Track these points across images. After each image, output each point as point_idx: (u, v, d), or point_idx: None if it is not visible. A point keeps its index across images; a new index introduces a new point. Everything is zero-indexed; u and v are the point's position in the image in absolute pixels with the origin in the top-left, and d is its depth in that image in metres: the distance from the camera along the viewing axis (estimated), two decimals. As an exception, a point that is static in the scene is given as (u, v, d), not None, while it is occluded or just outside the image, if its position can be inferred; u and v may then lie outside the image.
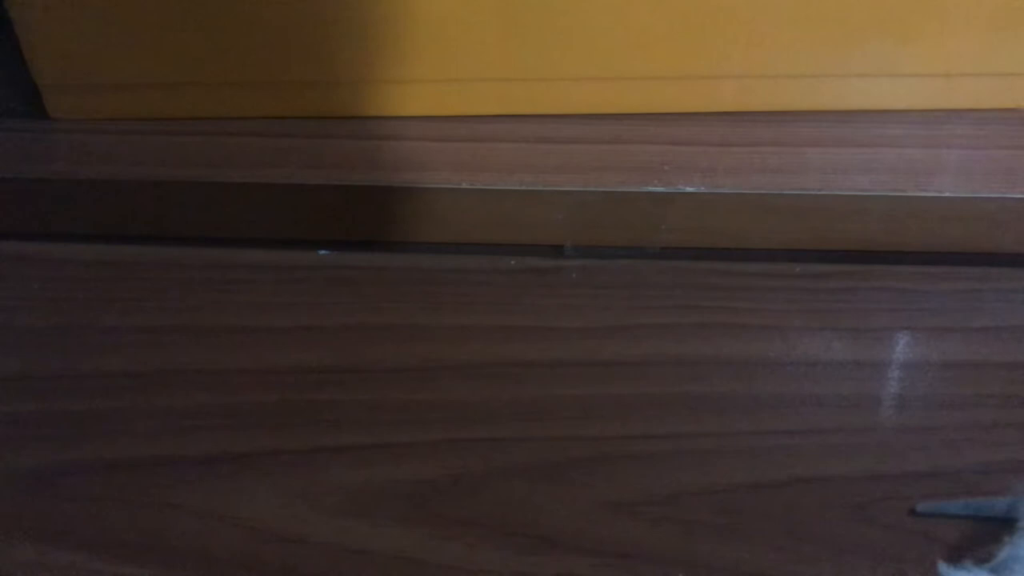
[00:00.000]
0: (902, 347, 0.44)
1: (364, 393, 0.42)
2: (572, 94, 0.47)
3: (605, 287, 0.46)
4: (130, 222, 0.47)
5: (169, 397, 0.42)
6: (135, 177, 0.46)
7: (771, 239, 0.46)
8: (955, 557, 0.36)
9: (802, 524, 0.38)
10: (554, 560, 0.37)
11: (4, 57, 0.47)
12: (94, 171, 0.46)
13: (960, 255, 0.46)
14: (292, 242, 0.47)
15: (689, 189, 0.45)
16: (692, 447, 0.40)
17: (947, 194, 0.45)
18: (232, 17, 0.44)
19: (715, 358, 0.43)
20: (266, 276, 0.47)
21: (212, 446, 0.40)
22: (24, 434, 0.41)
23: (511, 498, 0.39)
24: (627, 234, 0.46)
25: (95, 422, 0.41)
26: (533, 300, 0.46)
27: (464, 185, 0.45)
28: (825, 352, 0.43)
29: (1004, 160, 0.46)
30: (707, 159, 0.46)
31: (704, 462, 0.40)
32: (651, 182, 0.45)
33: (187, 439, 0.41)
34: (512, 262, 0.47)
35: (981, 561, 0.36)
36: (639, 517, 0.38)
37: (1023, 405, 0.42)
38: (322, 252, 0.47)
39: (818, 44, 0.45)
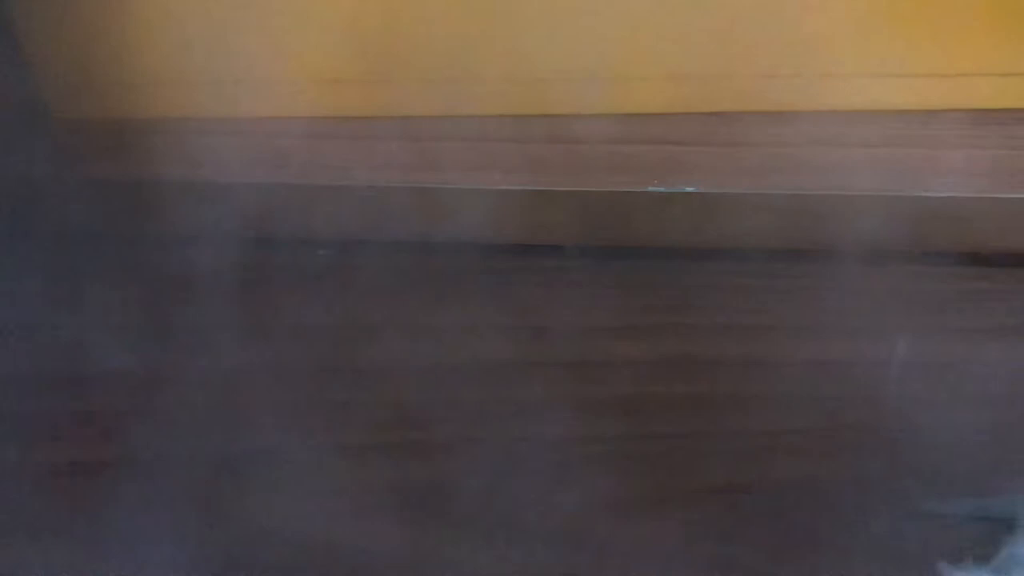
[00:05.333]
0: (902, 347, 0.44)
1: (364, 393, 0.42)
2: (572, 94, 0.47)
3: (605, 287, 0.46)
4: (130, 222, 0.47)
5: (170, 397, 0.42)
6: (135, 177, 0.46)
7: (771, 239, 0.46)
8: (955, 557, 0.36)
9: (803, 524, 0.38)
10: (554, 560, 0.37)
11: (4, 57, 0.47)
12: (94, 171, 0.46)
13: (960, 255, 0.46)
14: (294, 242, 0.47)
15: (689, 189, 0.45)
16: (692, 447, 0.40)
17: (947, 194, 0.45)
18: (230, 16, 0.44)
19: (715, 358, 0.43)
20: (268, 276, 0.47)
21: (211, 446, 0.40)
22: (24, 434, 0.41)
23: (511, 498, 0.39)
24: (627, 234, 0.46)
25: (95, 422, 0.41)
26: (533, 300, 0.46)
27: (464, 185, 0.45)
28: (825, 352, 0.43)
29: (1004, 160, 0.46)
30: (707, 159, 0.46)
31: (704, 462, 0.40)
32: (651, 182, 0.45)
33: (187, 439, 0.41)
34: (512, 262, 0.47)
35: (981, 561, 0.36)
36: (639, 517, 0.38)
37: (1023, 405, 0.42)
38: (322, 252, 0.47)
39: (818, 44, 0.45)
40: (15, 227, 0.48)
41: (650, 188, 0.45)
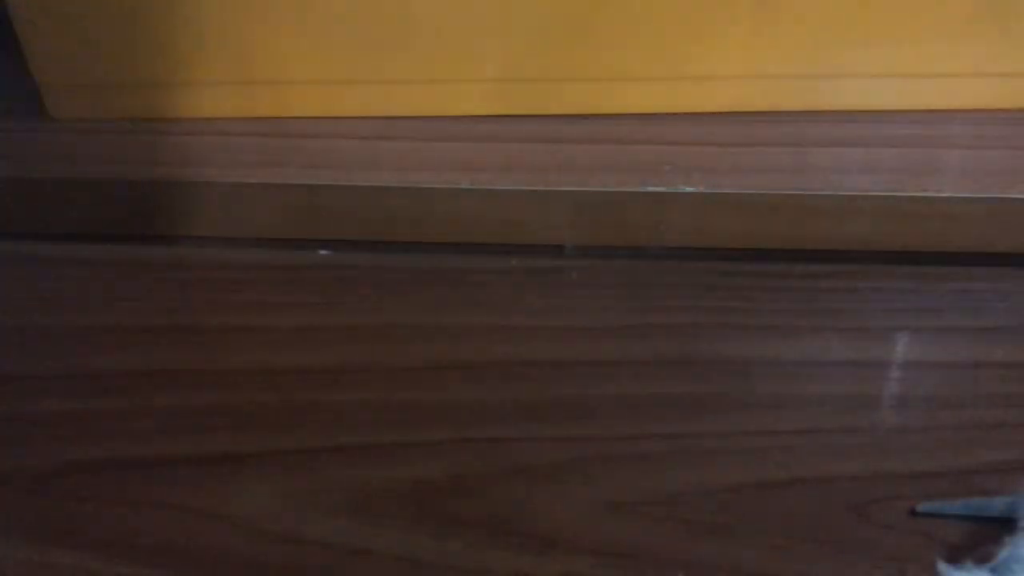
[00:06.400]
0: (902, 347, 0.44)
1: (364, 393, 0.42)
2: (572, 94, 0.47)
3: (605, 287, 0.46)
4: (130, 222, 0.47)
5: (169, 397, 0.42)
6: (135, 177, 0.46)
7: (771, 239, 0.46)
8: (955, 557, 0.36)
9: (802, 524, 0.38)
10: (554, 560, 0.37)
11: (4, 57, 0.47)
12: (94, 171, 0.46)
13: (960, 255, 0.46)
14: (292, 242, 0.47)
15: (689, 189, 0.45)
16: (692, 447, 0.40)
17: (947, 194, 0.45)
18: (230, 16, 0.44)
19: (715, 358, 0.43)
20: (266, 276, 0.47)
21: (212, 446, 0.40)
22: (24, 434, 0.41)
23: (511, 498, 0.39)
24: (627, 234, 0.46)
25: (95, 422, 0.41)
26: (533, 300, 0.46)
27: (464, 185, 0.45)
28: (825, 352, 0.43)
29: (1004, 160, 0.46)
30: (707, 159, 0.46)
31: (704, 462, 0.40)
32: (651, 182, 0.45)
33: (187, 439, 0.41)
34: (512, 262, 0.47)
35: (981, 561, 0.36)
36: (639, 517, 0.38)
37: (1023, 405, 0.42)
38: (322, 252, 0.47)
39: (818, 44, 0.45)
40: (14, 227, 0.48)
41: (650, 188, 0.45)
